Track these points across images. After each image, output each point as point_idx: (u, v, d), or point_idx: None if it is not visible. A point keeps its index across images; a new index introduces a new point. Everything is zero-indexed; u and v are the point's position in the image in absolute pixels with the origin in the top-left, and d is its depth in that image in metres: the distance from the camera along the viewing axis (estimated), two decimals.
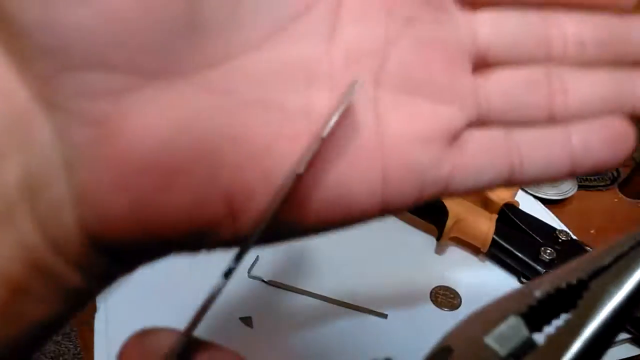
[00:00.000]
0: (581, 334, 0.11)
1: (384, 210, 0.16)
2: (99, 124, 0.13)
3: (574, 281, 0.12)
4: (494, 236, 0.43)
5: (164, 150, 0.13)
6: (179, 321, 0.15)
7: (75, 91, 0.12)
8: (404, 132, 0.16)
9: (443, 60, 0.17)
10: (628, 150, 0.18)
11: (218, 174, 0.14)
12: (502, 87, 0.18)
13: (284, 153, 0.15)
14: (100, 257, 0.14)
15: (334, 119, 0.14)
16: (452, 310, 0.41)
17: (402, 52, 0.16)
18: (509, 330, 0.12)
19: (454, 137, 0.17)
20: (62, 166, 0.13)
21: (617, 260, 0.12)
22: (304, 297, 0.41)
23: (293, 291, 0.41)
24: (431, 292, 0.42)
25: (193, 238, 0.14)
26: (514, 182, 0.18)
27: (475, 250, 0.45)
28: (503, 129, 0.18)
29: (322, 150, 0.15)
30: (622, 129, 0.18)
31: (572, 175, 0.18)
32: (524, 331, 0.12)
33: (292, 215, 0.15)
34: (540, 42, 0.18)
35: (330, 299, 0.40)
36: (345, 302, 0.40)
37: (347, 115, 0.15)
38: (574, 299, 0.12)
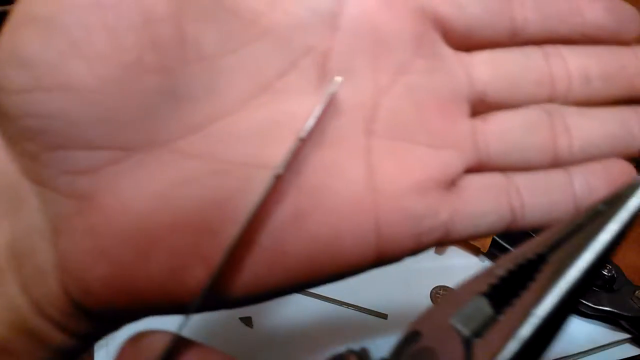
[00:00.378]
0: (537, 307, 0.11)
1: (380, 260, 0.16)
2: (81, 198, 0.13)
3: (534, 256, 0.12)
4: (494, 236, 0.43)
5: (144, 222, 0.14)
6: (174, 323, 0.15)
7: (58, 169, 0.13)
8: (397, 180, 0.16)
9: (438, 105, 0.16)
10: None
11: (199, 241, 0.14)
12: (501, 130, 0.17)
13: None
14: (83, 319, 0.14)
15: (313, 118, 0.14)
16: None
17: (393, 100, 0.16)
18: (473, 311, 0.13)
19: (452, 183, 0.17)
20: (47, 235, 0.14)
21: (574, 232, 0.12)
22: (304, 297, 0.41)
23: None
24: (431, 292, 0.42)
25: (175, 302, 0.14)
26: (516, 227, 0.17)
27: (475, 250, 0.45)
28: (503, 173, 0.17)
29: (309, 199, 0.15)
30: (626, 171, 0.18)
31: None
32: (487, 310, 0.12)
33: (280, 271, 0.15)
34: (542, 80, 0.18)
35: (330, 299, 0.40)
36: (345, 302, 0.40)
37: (335, 164, 0.15)
38: (534, 273, 0.12)
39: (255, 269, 0.15)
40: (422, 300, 0.41)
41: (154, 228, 0.14)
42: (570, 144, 0.17)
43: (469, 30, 0.17)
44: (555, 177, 0.17)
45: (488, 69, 0.17)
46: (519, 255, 0.12)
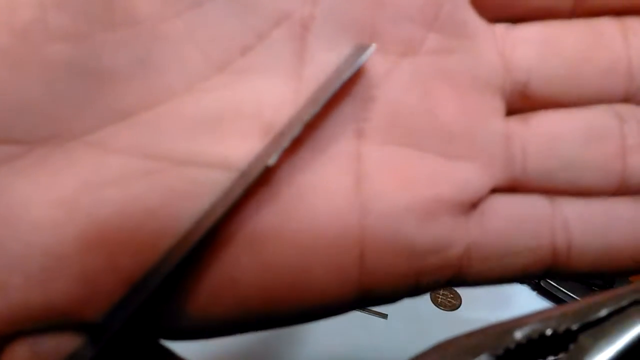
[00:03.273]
0: None
1: (363, 300, 0.12)
2: None
3: (561, 329, 0.10)
4: None
5: (42, 236, 0.10)
6: None
7: None
8: (393, 198, 0.12)
9: (458, 99, 0.12)
10: None
11: (121, 260, 0.11)
12: (548, 138, 0.13)
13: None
14: None
15: (325, 97, 0.11)
16: (452, 310, 0.41)
17: (394, 91, 0.12)
18: None
19: (472, 206, 0.12)
20: None
21: (612, 314, 0.10)
22: None
23: None
24: (431, 292, 0.41)
25: (82, 330, 0.11)
26: (557, 271, 0.13)
27: None
28: (548, 197, 0.13)
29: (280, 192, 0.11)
30: None
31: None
32: None
33: (228, 303, 0.11)
34: (615, 68, 0.13)
35: None
36: None
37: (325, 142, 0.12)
38: (557, 348, 0.10)
39: (197, 297, 0.11)
40: (422, 300, 0.40)
41: (56, 245, 0.10)
42: None
43: None
44: (621, 208, 0.13)
45: (535, 49, 0.13)
46: (543, 324, 0.11)
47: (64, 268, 0.10)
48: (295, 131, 0.11)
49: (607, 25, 0.13)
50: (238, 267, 0.11)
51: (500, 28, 0.13)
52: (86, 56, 0.10)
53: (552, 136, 0.12)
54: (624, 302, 0.10)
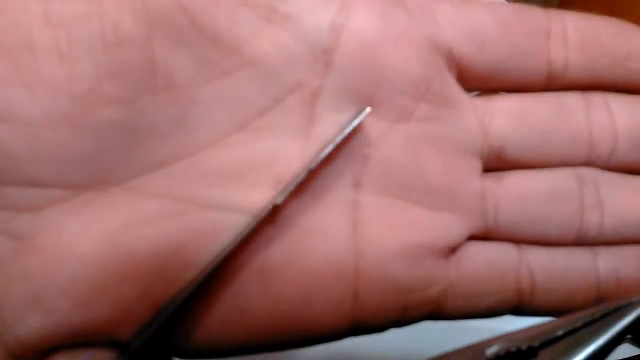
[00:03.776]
0: None
1: (356, 330, 0.14)
2: (17, 238, 0.12)
3: (524, 347, 0.12)
4: None
5: (87, 268, 0.12)
6: None
7: None
8: (385, 244, 0.14)
9: (441, 160, 0.14)
10: None
11: (152, 288, 0.12)
12: (517, 196, 0.15)
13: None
14: None
15: (328, 149, 0.13)
16: None
17: (388, 151, 0.14)
18: None
19: (450, 251, 0.14)
20: None
21: (569, 333, 0.12)
22: None
23: None
24: None
25: (117, 347, 0.13)
26: (521, 310, 0.15)
27: None
28: (516, 245, 0.15)
29: (283, 242, 0.13)
30: None
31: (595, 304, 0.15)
32: None
33: (237, 330, 0.13)
34: (578, 139, 0.15)
35: None
36: None
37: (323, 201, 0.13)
38: None
39: (208, 323, 0.13)
40: None
41: (99, 276, 0.12)
42: (601, 222, 0.15)
43: (492, 73, 0.15)
44: (578, 258, 0.15)
45: (509, 120, 0.15)
46: (511, 342, 0.13)
47: (105, 295, 0.12)
48: (301, 177, 0.13)
49: (572, 100, 0.15)
50: (247, 299, 0.13)
51: (480, 100, 0.15)
52: (132, 117, 0.12)
53: (520, 195, 0.15)
54: (578, 324, 0.12)
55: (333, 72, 0.13)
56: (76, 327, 0.12)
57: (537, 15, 0.15)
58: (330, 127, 0.14)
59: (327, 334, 0.14)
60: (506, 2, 0.15)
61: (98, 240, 0.12)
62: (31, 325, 0.12)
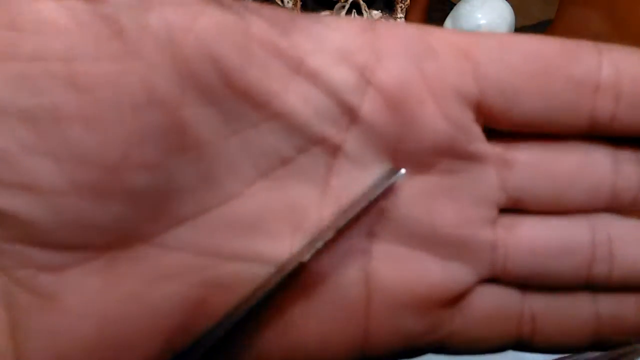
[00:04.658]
0: None
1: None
2: (42, 295, 0.12)
3: None
4: None
5: (112, 326, 0.12)
6: None
7: (18, 261, 0.11)
8: (397, 294, 0.14)
9: (456, 211, 0.14)
10: None
11: (175, 342, 0.12)
12: (527, 248, 0.14)
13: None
14: None
15: (358, 208, 0.13)
16: None
17: (405, 202, 0.14)
18: None
19: (459, 298, 0.14)
20: (6, 326, 0.12)
21: None
22: None
23: None
24: None
25: None
26: (519, 349, 0.15)
27: None
28: (519, 290, 0.15)
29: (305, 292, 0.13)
30: None
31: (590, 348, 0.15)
32: None
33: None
34: (600, 191, 0.14)
35: None
36: None
37: (336, 265, 0.14)
38: None
39: None
40: None
41: (125, 333, 0.12)
42: (609, 274, 0.14)
43: (524, 126, 0.14)
44: (579, 304, 0.15)
45: (530, 172, 0.14)
46: None
47: (131, 352, 0.12)
48: (329, 235, 0.13)
49: (600, 155, 0.14)
50: (264, 346, 0.14)
51: (502, 149, 0.14)
52: (160, 179, 0.12)
53: (531, 247, 0.14)
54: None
55: (357, 127, 0.13)
56: None
57: (586, 60, 0.14)
58: (350, 180, 0.13)
59: None
60: (551, 40, 0.14)
61: (122, 299, 0.12)
62: None
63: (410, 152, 0.14)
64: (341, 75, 0.13)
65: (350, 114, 0.13)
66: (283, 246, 0.13)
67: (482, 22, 0.49)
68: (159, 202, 0.12)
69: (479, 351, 0.15)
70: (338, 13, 0.47)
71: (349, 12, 0.46)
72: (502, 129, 0.14)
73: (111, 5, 0.11)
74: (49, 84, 0.10)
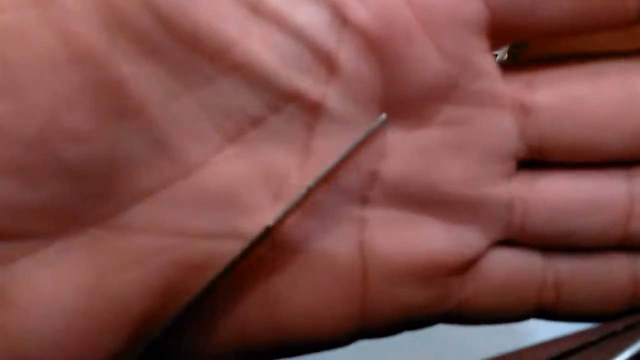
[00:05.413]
0: None
1: (362, 337, 0.13)
2: None
3: None
4: None
5: (71, 321, 0.11)
6: None
7: None
8: (395, 263, 0.13)
9: (463, 168, 0.12)
10: None
11: (143, 329, 0.12)
12: (550, 205, 0.13)
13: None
14: None
15: (330, 164, 0.12)
16: None
17: (398, 164, 0.12)
18: None
19: (469, 264, 0.13)
20: None
21: (583, 349, 0.12)
22: None
23: None
24: None
25: None
26: (542, 318, 0.14)
27: None
28: (541, 253, 0.13)
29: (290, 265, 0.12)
30: None
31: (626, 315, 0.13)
32: None
33: (239, 354, 0.13)
34: (638, 135, 0.12)
35: None
36: None
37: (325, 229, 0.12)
38: None
39: (207, 346, 0.13)
40: None
41: (87, 327, 0.11)
42: None
43: (553, 35, 0.12)
44: (616, 266, 0.13)
45: (556, 116, 0.12)
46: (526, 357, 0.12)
47: (96, 346, 0.11)
48: (298, 196, 0.12)
49: (634, 82, 0.12)
50: (248, 325, 0.12)
51: (521, 88, 0.12)
52: (101, 150, 0.10)
53: (554, 207, 0.13)
54: (593, 337, 0.11)
55: (337, 78, 0.12)
56: None
57: None
58: (334, 139, 0.12)
59: (330, 347, 0.13)
60: None
61: (79, 290, 0.11)
62: None
63: (403, 102, 0.12)
64: (310, 14, 0.11)
65: (327, 63, 0.11)
66: (262, 219, 0.12)
67: None
68: (105, 178, 0.11)
69: (495, 321, 0.14)
70: None
71: None
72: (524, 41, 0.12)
73: None
74: None
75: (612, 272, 0.13)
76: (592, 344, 0.11)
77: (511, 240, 0.13)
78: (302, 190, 0.11)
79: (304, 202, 0.12)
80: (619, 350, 0.11)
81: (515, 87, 0.12)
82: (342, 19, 0.11)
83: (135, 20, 0.10)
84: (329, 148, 0.12)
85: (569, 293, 0.13)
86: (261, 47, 0.11)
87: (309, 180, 0.12)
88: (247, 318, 0.12)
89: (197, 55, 0.11)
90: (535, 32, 0.12)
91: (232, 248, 0.12)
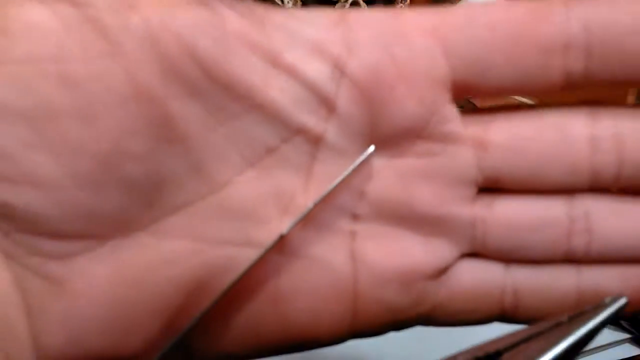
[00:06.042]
0: None
1: (354, 336, 0.16)
2: (52, 281, 0.13)
3: (492, 351, 0.13)
4: None
5: (119, 309, 0.13)
6: None
7: (28, 250, 0.12)
8: (381, 270, 0.15)
9: (434, 191, 0.15)
10: None
11: (174, 322, 0.14)
12: (505, 224, 0.15)
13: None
14: None
15: (332, 185, 0.14)
16: None
17: (383, 185, 0.15)
18: None
19: (441, 272, 0.15)
20: (22, 310, 0.13)
21: (532, 338, 0.13)
22: None
23: None
24: None
25: None
26: (506, 321, 0.16)
27: None
28: (504, 264, 0.16)
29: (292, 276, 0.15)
30: None
31: None
32: None
33: (251, 348, 0.15)
34: (578, 169, 0.15)
35: None
36: None
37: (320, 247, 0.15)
38: None
39: (225, 343, 0.15)
40: None
41: (130, 315, 0.13)
42: (588, 248, 0.15)
43: (499, 91, 0.15)
44: (562, 276, 0.15)
45: (506, 152, 0.15)
46: (481, 349, 0.14)
47: (135, 332, 0.13)
48: (306, 210, 0.14)
49: (576, 126, 0.15)
50: (261, 322, 0.15)
51: (477, 128, 0.15)
52: (151, 169, 0.13)
53: (509, 223, 0.15)
54: (543, 328, 0.13)
55: (335, 117, 0.14)
56: (106, 356, 0.13)
57: (553, 19, 0.14)
58: (332, 165, 0.14)
59: (328, 343, 0.16)
60: (518, 5, 0.14)
61: (127, 283, 0.13)
62: (70, 358, 0.13)
63: (386, 137, 0.14)
64: (316, 68, 0.14)
65: (327, 105, 0.14)
66: (271, 231, 0.14)
67: None
68: (152, 191, 0.13)
69: (464, 323, 0.16)
70: None
71: None
72: (478, 95, 0.15)
73: (95, 7, 0.12)
74: (42, 84, 0.11)
75: (560, 280, 0.15)
76: (541, 333, 0.13)
77: (476, 253, 0.16)
78: (310, 206, 0.14)
79: (310, 215, 0.14)
80: (563, 337, 0.13)
81: (475, 129, 0.15)
82: (340, 72, 0.14)
83: (185, 70, 0.13)
84: (327, 173, 0.15)
85: (525, 298, 0.15)
86: (277, 92, 0.14)
87: (311, 198, 0.14)
88: (261, 315, 0.15)
89: (229, 97, 0.13)
90: (485, 91, 0.15)
91: (248, 254, 0.14)
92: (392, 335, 0.16)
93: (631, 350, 0.39)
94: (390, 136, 0.15)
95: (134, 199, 0.13)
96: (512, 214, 0.15)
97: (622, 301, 0.13)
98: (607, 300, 0.13)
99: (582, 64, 0.14)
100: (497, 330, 0.14)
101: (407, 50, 0.14)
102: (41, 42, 0.11)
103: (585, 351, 0.36)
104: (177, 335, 0.14)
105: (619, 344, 0.39)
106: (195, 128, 0.13)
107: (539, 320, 0.15)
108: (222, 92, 0.13)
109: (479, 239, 0.15)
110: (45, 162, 0.12)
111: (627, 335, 0.39)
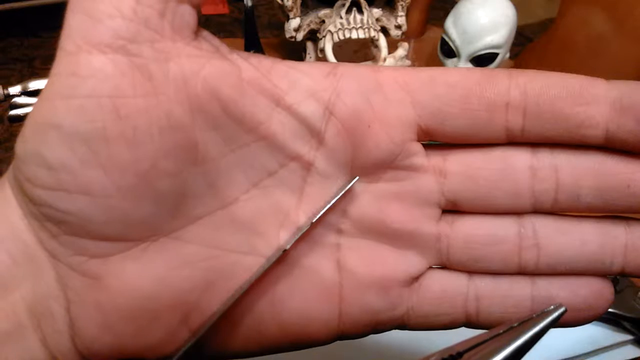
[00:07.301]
0: None
1: (341, 337, 0.18)
2: (90, 277, 0.15)
3: (454, 353, 0.15)
4: None
5: (146, 302, 0.15)
6: None
7: (72, 250, 0.15)
8: (362, 277, 0.17)
9: (404, 211, 0.18)
10: (598, 312, 0.17)
11: (189, 316, 0.16)
12: (465, 239, 0.18)
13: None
14: None
15: (326, 207, 0.17)
16: None
17: (362, 205, 0.18)
18: None
19: (413, 280, 0.18)
20: (62, 302, 0.15)
21: (489, 340, 0.15)
22: None
23: None
24: None
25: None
26: (469, 326, 0.18)
27: None
28: (467, 274, 0.18)
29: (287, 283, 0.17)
30: (597, 290, 0.17)
31: None
32: None
33: (253, 345, 0.17)
34: (520, 194, 0.17)
35: None
36: None
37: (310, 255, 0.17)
38: None
39: (232, 342, 0.17)
40: None
41: (155, 307, 0.15)
42: (537, 261, 0.17)
43: (454, 139, 0.17)
44: (518, 286, 0.18)
45: (461, 179, 0.17)
46: (448, 350, 0.16)
47: (158, 323, 0.16)
48: (304, 228, 0.17)
49: (519, 158, 0.17)
50: (261, 323, 0.17)
51: (438, 159, 0.18)
52: (178, 185, 0.15)
53: (467, 238, 0.18)
54: (500, 331, 0.15)
55: (323, 147, 0.17)
56: (137, 347, 0.16)
57: (497, 84, 0.17)
58: (320, 187, 0.17)
59: (318, 344, 0.18)
60: (474, 70, 0.17)
61: (153, 280, 0.15)
62: (104, 344, 0.15)
63: (364, 166, 0.17)
64: (310, 108, 0.17)
65: (317, 138, 0.17)
66: (270, 241, 0.17)
67: (484, 20, 0.47)
68: (177, 204, 0.15)
69: (434, 327, 0.18)
70: (338, 11, 0.46)
71: (349, 11, 0.45)
72: (438, 139, 0.17)
73: (143, 57, 0.15)
74: (100, 114, 0.14)
75: (516, 289, 0.18)
76: (496, 336, 0.15)
77: (443, 264, 0.18)
78: (307, 224, 0.17)
79: (307, 232, 0.17)
80: (513, 340, 0.15)
81: (436, 160, 0.18)
82: (329, 112, 0.17)
83: (209, 107, 0.15)
84: (316, 194, 0.17)
85: (486, 305, 0.18)
86: (278, 126, 0.16)
87: (302, 215, 0.17)
88: (261, 315, 0.17)
89: (241, 129, 0.16)
90: (443, 137, 0.18)
91: (251, 261, 0.17)
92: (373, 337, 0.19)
93: (634, 351, 0.39)
94: (367, 165, 0.17)
95: (162, 209, 0.15)
96: (469, 232, 0.18)
97: (561, 310, 0.15)
98: (551, 308, 0.15)
99: (520, 121, 0.17)
100: (466, 336, 0.16)
101: (383, 99, 0.17)
102: (102, 82, 0.14)
103: (589, 353, 0.37)
104: (197, 335, 0.16)
105: (622, 346, 0.39)
106: (214, 153, 0.16)
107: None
108: (236, 125, 0.16)
109: (444, 252, 0.18)
110: (98, 176, 0.14)
111: (629, 337, 0.39)
